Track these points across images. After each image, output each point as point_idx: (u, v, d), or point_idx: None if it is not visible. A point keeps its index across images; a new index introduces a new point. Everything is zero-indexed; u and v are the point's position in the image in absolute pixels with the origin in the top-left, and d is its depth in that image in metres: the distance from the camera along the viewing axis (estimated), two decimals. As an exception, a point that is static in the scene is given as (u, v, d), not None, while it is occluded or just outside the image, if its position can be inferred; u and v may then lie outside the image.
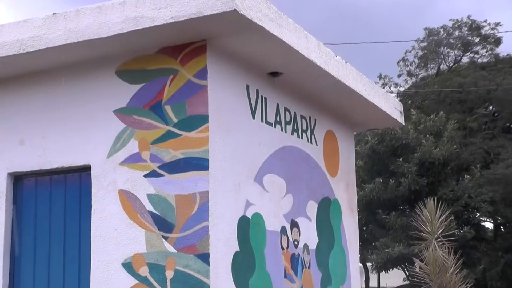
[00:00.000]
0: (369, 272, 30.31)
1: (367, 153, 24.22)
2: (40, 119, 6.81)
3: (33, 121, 6.85)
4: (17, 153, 6.90)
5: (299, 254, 7.47)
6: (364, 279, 28.13)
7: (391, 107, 8.83)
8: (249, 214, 6.58)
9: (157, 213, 6.10)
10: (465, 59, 32.93)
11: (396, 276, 31.28)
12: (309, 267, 7.70)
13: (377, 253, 23.94)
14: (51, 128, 6.75)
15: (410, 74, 33.92)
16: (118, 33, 6.03)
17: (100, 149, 6.42)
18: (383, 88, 30.49)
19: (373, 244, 24.97)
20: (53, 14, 6.35)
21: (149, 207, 6.13)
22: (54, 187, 6.82)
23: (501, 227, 28.08)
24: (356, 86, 7.72)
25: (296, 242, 7.43)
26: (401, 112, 9.23)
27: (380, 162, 24.37)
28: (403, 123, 9.62)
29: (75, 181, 6.70)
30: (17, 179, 6.94)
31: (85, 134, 6.55)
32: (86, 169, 6.51)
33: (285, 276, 7.17)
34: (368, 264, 27.35)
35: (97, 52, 6.35)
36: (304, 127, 7.83)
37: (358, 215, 9.25)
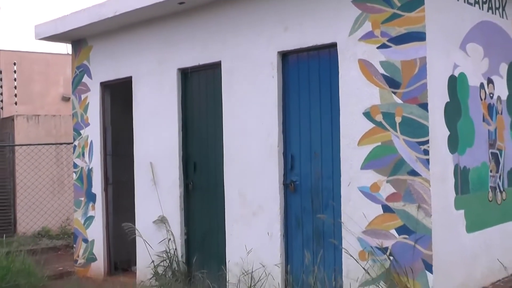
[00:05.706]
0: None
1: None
2: (298, 12, 7.52)
3: (293, 13, 7.58)
4: (283, 37, 7.69)
5: (493, 104, 7.82)
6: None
7: None
8: (456, 74, 7.02)
9: (387, 74, 6.67)
10: None
11: None
12: (501, 113, 8.08)
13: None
14: (307, 17, 7.40)
15: None
16: None
17: (343, 30, 7.05)
18: None
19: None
20: None
21: (381, 70, 6.71)
22: (310, 60, 7.51)
23: None
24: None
25: (491, 95, 7.78)
26: None
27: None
28: None
29: (325, 55, 7.37)
30: (284, 56, 7.77)
31: (332, 20, 7.17)
32: (333, 46, 7.19)
33: (483, 120, 7.61)
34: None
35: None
36: (497, 5, 8.01)
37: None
